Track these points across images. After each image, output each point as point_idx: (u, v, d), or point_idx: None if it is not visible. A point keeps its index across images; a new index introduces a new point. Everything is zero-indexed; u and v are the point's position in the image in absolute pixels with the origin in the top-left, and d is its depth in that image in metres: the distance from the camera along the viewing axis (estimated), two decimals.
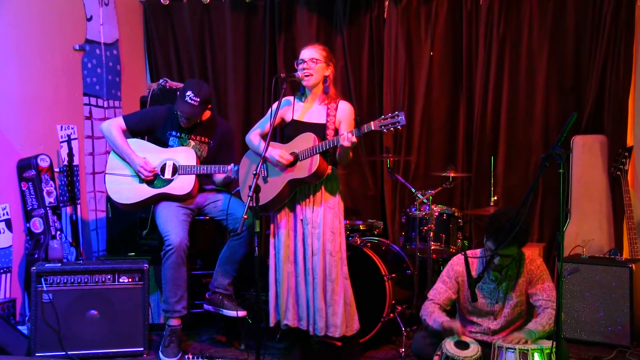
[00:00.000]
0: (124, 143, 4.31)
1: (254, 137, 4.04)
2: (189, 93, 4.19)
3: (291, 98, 4.00)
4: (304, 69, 3.85)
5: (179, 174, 4.26)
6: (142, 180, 4.28)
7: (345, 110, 3.88)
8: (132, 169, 4.30)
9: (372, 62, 5.69)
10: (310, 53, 3.86)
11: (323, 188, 3.87)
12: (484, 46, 5.40)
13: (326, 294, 3.82)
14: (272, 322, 3.97)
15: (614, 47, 5.06)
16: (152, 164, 4.27)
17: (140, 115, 4.48)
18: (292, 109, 3.95)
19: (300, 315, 3.89)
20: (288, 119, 3.97)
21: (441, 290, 3.72)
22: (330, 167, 3.86)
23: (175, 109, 4.27)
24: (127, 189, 4.29)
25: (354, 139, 3.62)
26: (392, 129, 3.56)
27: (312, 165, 3.73)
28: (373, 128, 3.59)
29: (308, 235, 3.84)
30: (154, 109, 4.54)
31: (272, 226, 3.99)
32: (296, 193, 3.90)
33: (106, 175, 4.35)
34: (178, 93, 4.31)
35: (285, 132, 4.00)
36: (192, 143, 4.37)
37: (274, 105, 3.84)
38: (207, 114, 4.40)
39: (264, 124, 4.02)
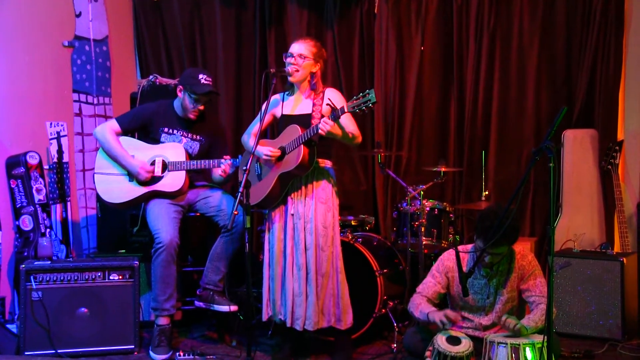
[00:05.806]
0: (118, 147, 4.28)
1: (247, 137, 4.04)
2: (201, 76, 4.21)
3: (279, 96, 3.99)
4: (290, 63, 3.83)
5: (168, 171, 4.24)
6: (132, 179, 4.26)
7: (331, 97, 3.79)
8: (121, 167, 4.27)
9: (363, 57, 5.67)
10: (299, 48, 3.83)
11: (314, 181, 3.85)
12: (475, 40, 5.39)
13: (317, 288, 3.81)
14: (265, 317, 3.97)
15: (604, 41, 5.06)
16: (149, 165, 4.24)
17: (132, 115, 4.44)
18: (281, 105, 3.94)
19: (285, 310, 3.88)
20: (278, 115, 3.97)
21: (430, 285, 3.73)
22: (322, 159, 3.85)
23: (191, 101, 4.22)
24: (117, 188, 4.27)
25: (330, 123, 3.56)
26: (364, 108, 3.45)
27: (298, 156, 3.70)
28: (346, 110, 3.53)
29: (300, 230, 3.83)
30: (146, 106, 4.50)
31: (266, 222, 3.98)
32: (288, 188, 3.89)
33: (95, 175, 4.33)
34: (182, 86, 4.24)
35: (278, 128, 3.99)
36: (184, 140, 4.35)
37: (263, 107, 3.82)
38: None
39: (255, 126, 4.01)
